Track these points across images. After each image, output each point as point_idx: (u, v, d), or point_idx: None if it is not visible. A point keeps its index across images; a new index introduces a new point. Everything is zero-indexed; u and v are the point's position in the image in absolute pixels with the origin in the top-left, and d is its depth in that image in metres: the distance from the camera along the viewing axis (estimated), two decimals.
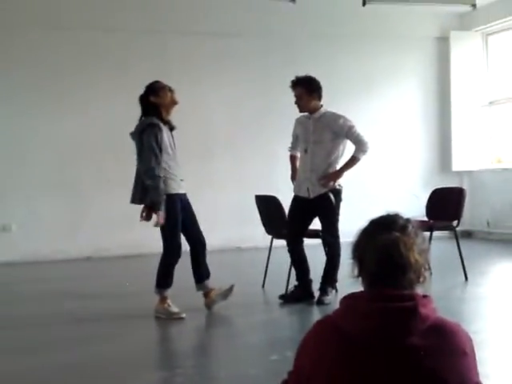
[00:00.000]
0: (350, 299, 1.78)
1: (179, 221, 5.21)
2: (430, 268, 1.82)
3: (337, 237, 5.62)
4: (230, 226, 9.12)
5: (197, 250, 5.37)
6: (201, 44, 9.17)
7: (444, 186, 7.16)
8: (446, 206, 6.37)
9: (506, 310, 5.31)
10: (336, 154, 5.73)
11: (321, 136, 5.66)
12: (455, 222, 6.35)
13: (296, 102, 5.85)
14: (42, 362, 4.07)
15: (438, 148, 10.23)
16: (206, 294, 5.39)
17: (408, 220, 1.81)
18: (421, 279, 1.78)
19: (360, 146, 5.73)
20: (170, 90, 5.24)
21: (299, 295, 5.55)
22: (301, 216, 5.68)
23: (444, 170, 10.03)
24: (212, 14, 9.06)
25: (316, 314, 5.15)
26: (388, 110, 10.00)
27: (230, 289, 5.38)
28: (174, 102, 5.25)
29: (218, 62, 9.26)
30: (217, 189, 9.16)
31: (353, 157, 5.75)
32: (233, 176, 9.25)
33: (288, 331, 4.89)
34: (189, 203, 5.40)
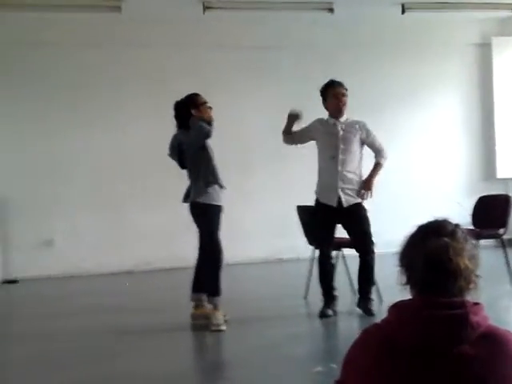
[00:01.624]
0: (398, 307, 1.74)
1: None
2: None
3: (373, 243, 5.56)
4: (271, 238, 9.08)
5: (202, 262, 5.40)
6: (239, 57, 9.19)
7: (489, 194, 7.01)
8: (491, 213, 6.25)
9: None
10: (361, 163, 5.69)
11: (351, 144, 5.59)
12: (502, 230, 6.22)
13: (340, 105, 5.64)
14: (84, 375, 4.09)
15: (482, 155, 10.05)
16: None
17: (457, 225, 1.77)
18: (471, 286, 1.74)
19: (383, 152, 5.77)
20: (210, 107, 5.35)
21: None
22: (330, 225, 5.59)
23: (488, 178, 9.84)
24: (250, 28, 9.08)
25: (360, 324, 5.09)
26: (430, 118, 9.86)
27: (218, 323, 5.19)
28: (210, 119, 5.33)
29: (257, 74, 9.26)
30: (257, 200, 9.14)
31: (379, 164, 5.75)
32: (273, 187, 9.22)
33: (332, 342, 4.85)
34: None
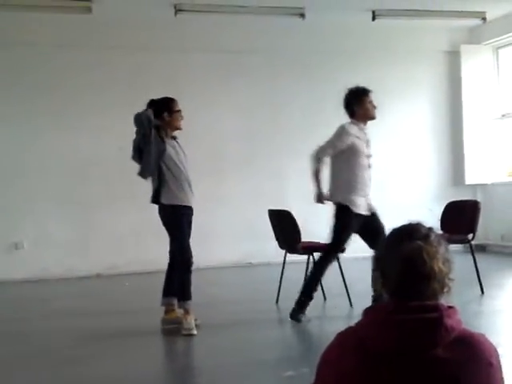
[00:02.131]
0: (372, 311, 1.74)
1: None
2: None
3: None
4: (242, 242, 9.08)
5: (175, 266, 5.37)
6: (210, 61, 9.18)
7: (458, 200, 7.08)
8: (460, 219, 6.32)
9: None
10: None
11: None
12: (470, 236, 6.29)
13: (375, 114, 5.60)
14: (48, 380, 4.03)
15: (450, 161, 10.17)
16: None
17: (430, 229, 1.78)
18: (445, 289, 1.74)
19: None
20: (181, 117, 5.36)
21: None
22: (355, 231, 5.53)
23: (457, 184, 9.96)
24: (222, 31, 9.07)
25: (331, 328, 5.09)
26: (399, 124, 9.95)
27: (189, 327, 5.13)
28: (178, 128, 5.36)
29: (229, 78, 9.26)
30: (228, 204, 9.13)
31: None
32: (245, 191, 9.22)
33: (303, 347, 4.84)
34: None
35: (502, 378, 1.70)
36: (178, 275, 5.26)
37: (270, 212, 6.40)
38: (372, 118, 5.56)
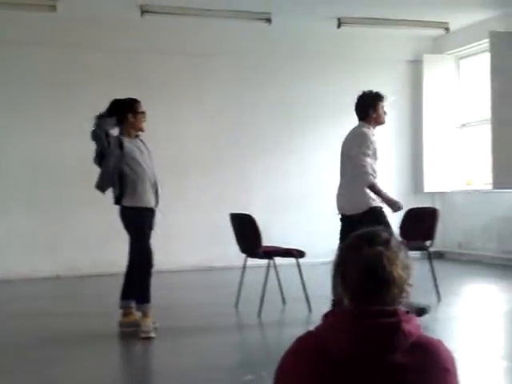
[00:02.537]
0: (331, 316, 1.74)
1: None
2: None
3: None
4: (203, 246, 9.06)
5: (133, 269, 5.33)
6: (176, 63, 9.14)
7: (417, 207, 7.18)
8: (419, 226, 6.40)
9: (478, 330, 5.34)
10: None
11: None
12: (428, 242, 6.39)
13: (385, 117, 5.70)
14: (6, 381, 3.96)
15: (410, 169, 10.31)
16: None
17: (390, 234, 1.79)
18: (403, 295, 1.74)
19: None
20: (144, 119, 5.36)
21: None
22: None
23: (416, 192, 10.10)
24: (188, 34, 9.05)
25: (291, 332, 5.11)
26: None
27: (147, 330, 5.08)
28: (141, 129, 5.36)
29: (194, 81, 9.24)
30: (190, 208, 9.10)
31: None
32: (206, 195, 9.20)
33: (263, 351, 4.85)
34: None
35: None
36: (137, 278, 5.21)
37: (232, 216, 6.40)
38: (383, 123, 5.67)
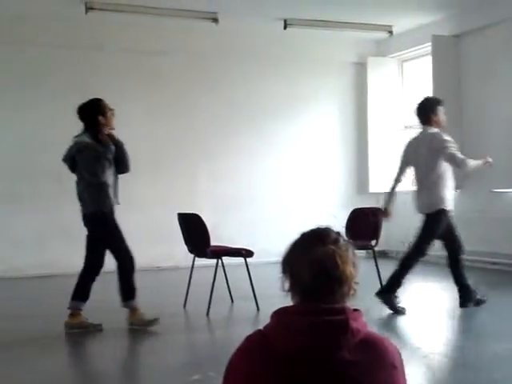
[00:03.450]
0: (279, 314, 1.75)
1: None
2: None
3: None
4: (150, 246, 8.97)
5: (126, 267, 5.38)
6: (121, 60, 9.06)
7: (362, 207, 7.29)
8: (364, 225, 6.50)
9: (421, 327, 5.46)
10: None
11: None
12: (373, 242, 6.49)
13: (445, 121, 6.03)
14: None
15: (355, 170, 10.46)
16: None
17: (339, 233, 1.81)
18: (351, 292, 1.77)
19: None
20: (113, 114, 5.45)
21: None
22: None
23: (361, 192, 10.25)
24: (133, 31, 8.97)
25: (240, 331, 5.13)
26: (307, 132, 10.14)
27: (153, 321, 5.29)
28: (111, 127, 5.46)
29: (140, 79, 9.16)
30: (137, 207, 9.00)
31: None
32: (153, 194, 9.13)
33: (210, 351, 4.85)
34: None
35: (404, 381, 1.75)
36: (124, 276, 5.30)
37: (180, 215, 6.37)
38: (444, 127, 5.97)
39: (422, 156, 5.92)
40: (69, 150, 5.36)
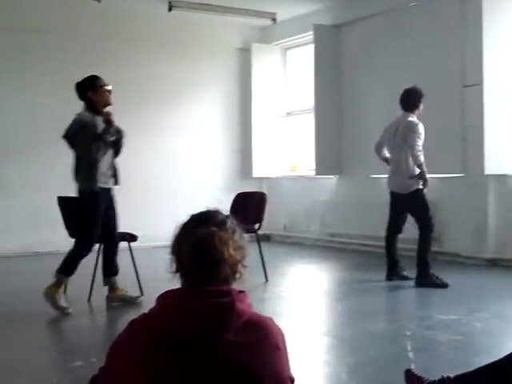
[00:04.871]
0: (164, 296, 1.76)
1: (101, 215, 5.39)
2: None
3: None
4: (27, 231, 8.67)
5: (110, 246, 5.53)
6: (0, 39, 8.62)
7: (246, 191, 7.40)
8: (248, 209, 6.60)
9: (302, 308, 5.64)
10: None
11: None
12: (257, 225, 6.61)
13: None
14: None
15: (239, 155, 10.55)
16: (111, 290, 5.54)
17: (227, 216, 1.84)
18: (237, 275, 1.80)
19: None
20: (109, 91, 5.42)
21: None
22: None
23: (245, 176, 10.37)
24: (7, 8, 8.55)
25: (124, 318, 5.08)
26: (192, 117, 10.11)
27: (135, 298, 5.49)
28: (107, 104, 5.42)
29: (16, 59, 8.76)
30: (12, 191, 8.66)
31: None
32: (30, 178, 8.80)
33: (93, 337, 4.78)
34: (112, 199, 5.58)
35: (287, 360, 1.81)
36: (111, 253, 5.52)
37: (60, 199, 6.17)
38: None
39: (397, 139, 6.31)
40: (69, 127, 5.40)
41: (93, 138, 5.30)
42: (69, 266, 5.33)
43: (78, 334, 4.92)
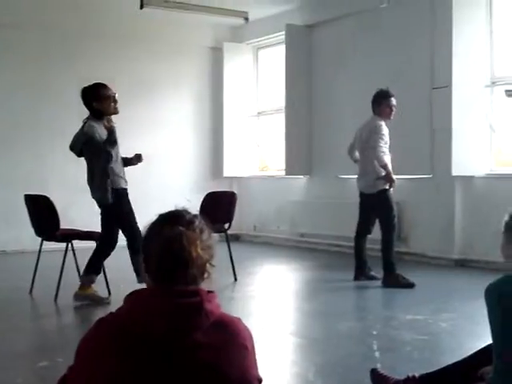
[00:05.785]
0: (133, 296, 1.74)
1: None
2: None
3: None
4: None
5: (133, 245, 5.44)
6: None
7: (216, 190, 7.39)
8: (218, 209, 6.58)
9: (271, 308, 5.65)
10: None
11: None
12: (227, 225, 6.60)
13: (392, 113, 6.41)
14: None
15: (210, 154, 10.53)
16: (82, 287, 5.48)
17: (196, 216, 1.83)
18: (205, 275, 1.79)
19: None
20: (114, 101, 5.45)
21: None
22: None
23: (216, 176, 10.35)
24: None
25: (91, 317, 5.03)
26: (162, 115, 10.04)
27: (105, 299, 5.41)
28: (112, 113, 5.45)
29: None
30: None
31: None
32: None
33: (59, 337, 4.73)
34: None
35: (255, 360, 1.81)
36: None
37: (27, 197, 6.10)
38: (388, 118, 6.38)
39: (362, 141, 6.36)
40: (75, 139, 5.46)
41: (99, 151, 5.33)
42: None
43: (45, 334, 4.87)
